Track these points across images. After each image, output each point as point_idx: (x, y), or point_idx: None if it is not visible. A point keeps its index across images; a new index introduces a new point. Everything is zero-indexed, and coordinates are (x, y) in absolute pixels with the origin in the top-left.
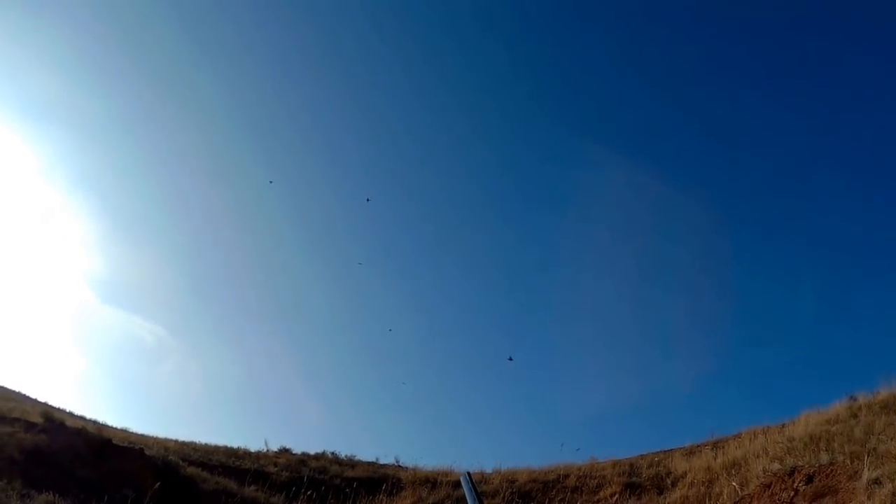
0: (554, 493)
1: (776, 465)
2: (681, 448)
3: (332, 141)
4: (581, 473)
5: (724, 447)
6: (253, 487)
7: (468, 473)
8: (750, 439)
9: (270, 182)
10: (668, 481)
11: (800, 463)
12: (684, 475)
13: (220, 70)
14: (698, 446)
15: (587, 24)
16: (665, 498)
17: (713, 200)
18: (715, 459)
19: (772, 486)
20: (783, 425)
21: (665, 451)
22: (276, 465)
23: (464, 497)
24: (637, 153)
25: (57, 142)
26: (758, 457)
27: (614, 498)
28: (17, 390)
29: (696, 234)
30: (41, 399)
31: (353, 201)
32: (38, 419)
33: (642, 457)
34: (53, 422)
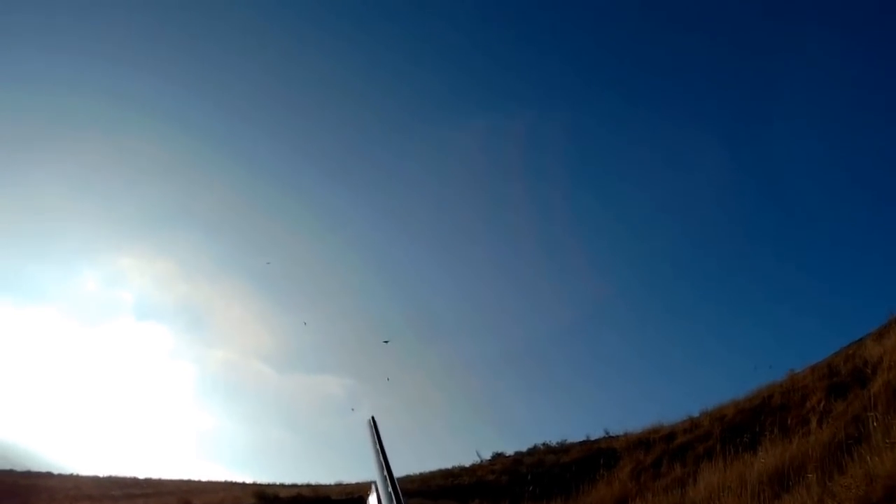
0: (763, 417)
1: None
2: (869, 334)
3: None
4: (783, 389)
5: None
6: (477, 501)
7: (372, 418)
8: None
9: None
10: (868, 371)
11: None
12: (880, 360)
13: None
14: (885, 328)
15: None
16: (869, 389)
17: None
18: None
19: None
20: None
21: (856, 342)
22: (493, 472)
23: (680, 446)
24: None
25: (188, 241)
26: None
27: (821, 405)
28: (223, 480)
29: None
30: (249, 481)
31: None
32: (250, 500)
33: (836, 354)
34: (266, 497)
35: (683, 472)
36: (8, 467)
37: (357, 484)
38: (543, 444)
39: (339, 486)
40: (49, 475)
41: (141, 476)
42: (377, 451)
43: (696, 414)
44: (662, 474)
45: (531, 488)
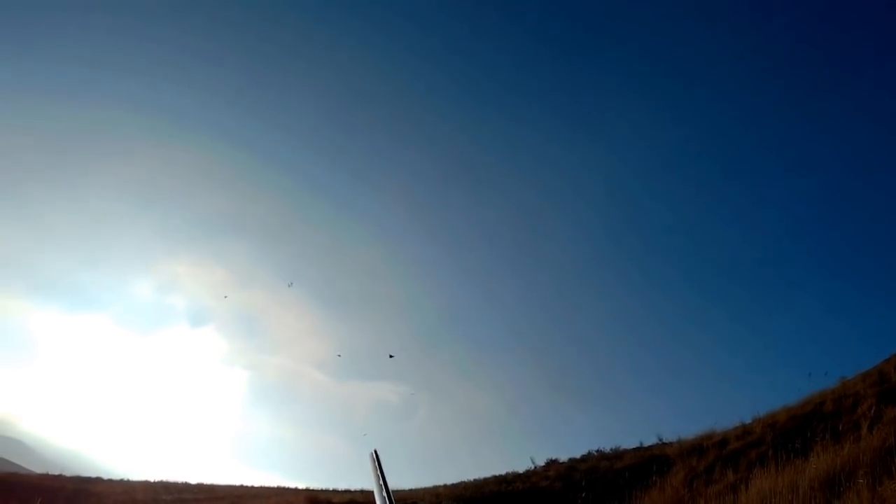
0: (814, 423)
1: None
2: None
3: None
4: (834, 396)
5: None
6: None
7: (375, 451)
8: None
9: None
10: None
11: None
12: None
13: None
14: None
15: None
16: None
17: None
18: None
19: None
20: None
21: None
22: (546, 478)
23: (733, 452)
24: None
25: (243, 251)
26: None
27: (872, 410)
28: (275, 485)
29: None
30: (302, 486)
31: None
32: None
33: (886, 361)
34: (319, 502)
35: (736, 477)
36: (57, 472)
37: (411, 490)
38: (597, 451)
39: (392, 491)
40: (99, 480)
41: (193, 481)
42: (380, 486)
43: (748, 420)
44: (715, 480)
45: (584, 494)
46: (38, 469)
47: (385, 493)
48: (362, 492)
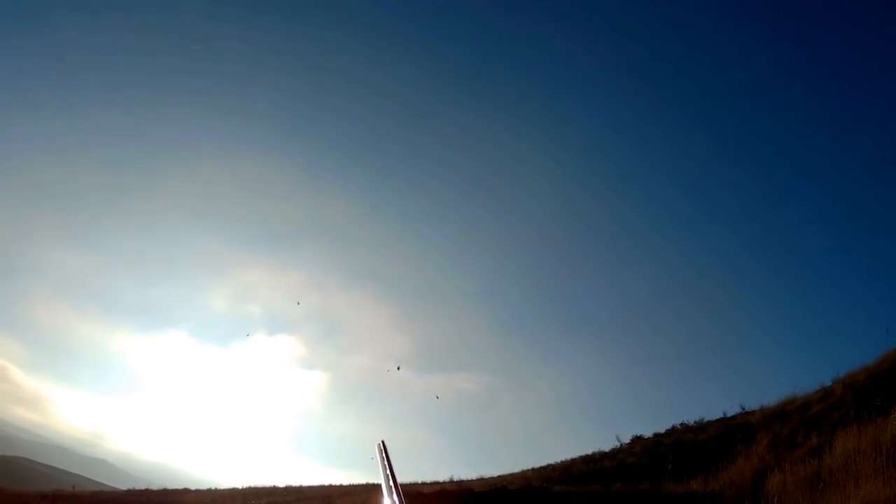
0: (893, 381)
1: None
2: None
3: None
4: None
5: None
6: (618, 484)
7: (382, 442)
8: None
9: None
10: None
11: None
12: None
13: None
14: None
15: None
16: None
17: None
18: None
19: None
20: None
21: None
22: (633, 454)
23: (814, 416)
24: None
25: (315, 253)
26: None
27: None
28: (363, 482)
29: None
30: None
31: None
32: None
33: None
34: (409, 494)
35: (819, 440)
36: (144, 486)
37: (500, 476)
38: (681, 424)
39: (480, 480)
40: (186, 491)
41: (281, 484)
42: (387, 475)
43: (828, 383)
44: (799, 444)
45: (671, 468)
46: (124, 486)
47: (392, 483)
48: (451, 480)
